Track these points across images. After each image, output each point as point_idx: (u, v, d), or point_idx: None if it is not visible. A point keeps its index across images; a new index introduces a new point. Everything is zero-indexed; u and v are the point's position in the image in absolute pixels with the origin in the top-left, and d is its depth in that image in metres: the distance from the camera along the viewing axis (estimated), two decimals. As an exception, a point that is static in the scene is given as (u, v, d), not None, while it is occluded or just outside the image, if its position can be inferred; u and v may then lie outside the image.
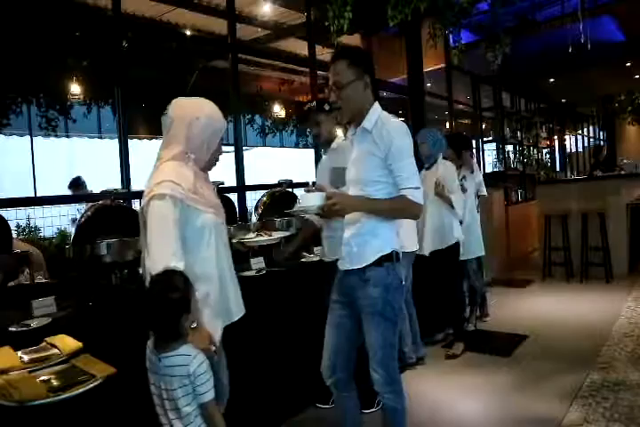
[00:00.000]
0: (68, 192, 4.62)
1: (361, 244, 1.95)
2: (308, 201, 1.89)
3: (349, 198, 1.94)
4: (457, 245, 3.57)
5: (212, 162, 1.92)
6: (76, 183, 4.69)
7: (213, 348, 1.63)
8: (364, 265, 1.93)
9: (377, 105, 1.99)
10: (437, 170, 3.61)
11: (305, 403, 2.84)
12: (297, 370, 2.73)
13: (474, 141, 7.34)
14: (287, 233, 2.99)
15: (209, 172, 1.96)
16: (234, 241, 2.38)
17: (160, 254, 1.59)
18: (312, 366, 2.79)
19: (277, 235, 2.92)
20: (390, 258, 1.94)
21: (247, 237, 2.85)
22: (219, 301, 1.78)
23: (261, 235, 2.85)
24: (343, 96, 1.95)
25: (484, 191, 4.41)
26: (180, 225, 1.68)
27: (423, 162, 3.72)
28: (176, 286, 1.48)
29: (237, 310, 1.90)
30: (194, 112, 1.88)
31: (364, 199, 1.94)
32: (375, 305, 1.92)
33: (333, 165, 2.66)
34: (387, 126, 1.92)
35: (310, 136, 8.00)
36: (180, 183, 1.72)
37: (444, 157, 3.71)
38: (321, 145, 2.89)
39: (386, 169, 1.90)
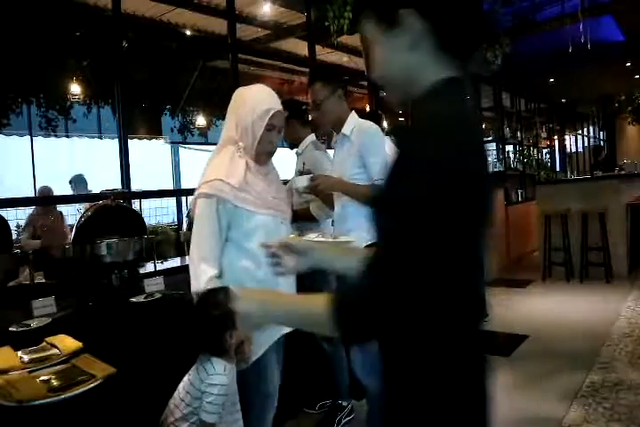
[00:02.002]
0: (68, 188, 4.61)
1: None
2: (298, 182, 2.20)
3: (330, 179, 2.19)
4: None
5: (259, 152, 1.77)
6: (77, 180, 4.68)
7: (251, 359, 1.60)
8: None
9: (353, 113, 2.28)
10: None
11: (295, 408, 2.81)
12: (287, 373, 2.72)
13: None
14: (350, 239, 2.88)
15: (271, 165, 1.89)
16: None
17: (193, 260, 1.62)
18: (299, 370, 2.80)
19: (344, 238, 2.82)
20: None
21: (307, 237, 2.74)
22: None
23: (321, 236, 2.73)
24: (323, 110, 2.24)
25: None
26: (223, 227, 1.66)
27: None
28: (216, 303, 1.42)
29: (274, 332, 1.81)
30: (242, 96, 1.82)
31: (344, 181, 2.17)
32: None
33: (297, 168, 2.76)
34: (361, 129, 2.21)
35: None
36: (230, 181, 1.66)
37: None
38: (289, 147, 2.93)
39: (362, 167, 2.15)
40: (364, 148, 2.14)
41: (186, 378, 1.52)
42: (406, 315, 0.79)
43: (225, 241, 1.70)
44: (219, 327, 1.41)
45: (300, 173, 2.77)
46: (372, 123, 2.27)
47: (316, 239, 1.95)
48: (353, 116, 2.27)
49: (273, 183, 1.86)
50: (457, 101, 0.84)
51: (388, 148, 3.35)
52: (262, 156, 1.80)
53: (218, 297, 1.41)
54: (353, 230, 2.11)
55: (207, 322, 1.37)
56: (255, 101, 1.76)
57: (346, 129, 2.23)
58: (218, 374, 1.46)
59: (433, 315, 0.80)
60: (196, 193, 1.67)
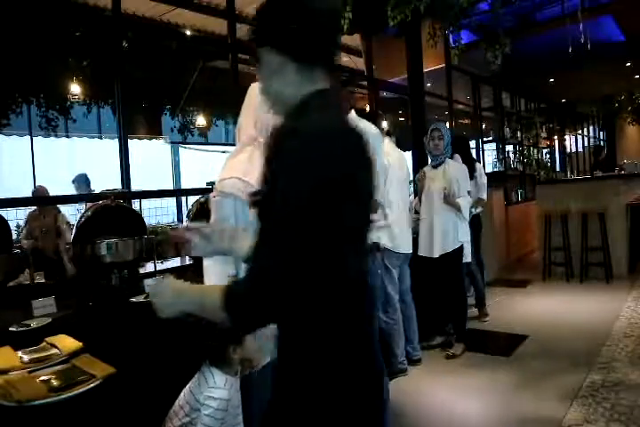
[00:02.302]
0: (70, 188, 4.60)
1: None
2: None
3: None
4: (462, 247, 3.57)
5: None
6: (80, 179, 4.66)
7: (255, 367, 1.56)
8: None
9: (352, 113, 2.21)
10: (445, 171, 3.54)
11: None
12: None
13: (474, 141, 7.34)
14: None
15: None
16: None
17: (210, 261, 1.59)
18: None
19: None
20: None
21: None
22: None
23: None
24: None
25: (483, 195, 4.37)
26: (238, 225, 1.60)
27: (430, 158, 3.68)
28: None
29: None
30: (257, 93, 1.78)
31: None
32: None
33: None
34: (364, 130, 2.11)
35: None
36: (249, 180, 1.58)
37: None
38: None
39: None
40: None
41: (187, 386, 1.49)
42: (286, 303, 0.90)
43: None
44: (222, 338, 1.40)
45: None
46: (371, 124, 2.22)
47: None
48: (352, 116, 2.21)
49: None
50: (322, 110, 0.99)
51: (389, 147, 3.37)
52: None
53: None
54: None
55: (211, 332, 1.36)
56: (257, 101, 1.68)
57: None
58: (218, 388, 1.43)
59: (310, 301, 0.92)
60: (213, 192, 1.63)
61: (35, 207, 4.22)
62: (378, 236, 2.74)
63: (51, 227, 3.95)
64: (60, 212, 4.11)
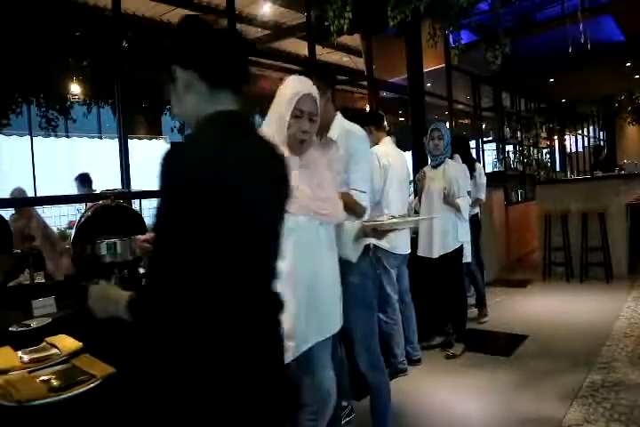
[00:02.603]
0: (73, 187, 4.59)
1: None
2: None
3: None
4: (461, 247, 3.57)
5: (292, 141, 1.62)
6: (83, 179, 4.65)
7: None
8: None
9: (339, 115, 2.15)
10: (445, 171, 3.53)
11: (293, 408, 2.80)
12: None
13: (474, 141, 7.35)
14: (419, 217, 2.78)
15: (312, 155, 1.72)
16: (363, 223, 2.00)
17: None
18: None
19: (414, 217, 2.73)
20: (367, 249, 2.10)
21: (380, 219, 2.63)
22: (300, 315, 1.60)
23: (394, 217, 2.58)
24: None
25: (482, 196, 4.36)
26: None
27: (430, 158, 3.68)
28: None
29: (328, 326, 1.74)
30: (278, 90, 1.72)
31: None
32: (355, 291, 2.04)
33: None
34: (348, 134, 2.08)
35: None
36: None
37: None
38: None
39: (345, 173, 2.03)
40: (350, 153, 2.04)
41: None
42: (172, 309, 1.00)
43: None
44: None
45: None
46: (358, 127, 2.16)
47: (389, 220, 2.00)
48: (339, 118, 2.15)
49: (314, 176, 1.66)
50: (216, 128, 1.07)
51: (389, 147, 3.36)
52: (294, 145, 1.64)
53: None
54: None
55: None
56: (285, 89, 1.68)
57: (332, 133, 2.10)
58: None
59: (194, 308, 1.01)
60: None
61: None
62: None
63: (21, 230, 3.80)
64: (35, 215, 3.91)
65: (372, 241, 2.13)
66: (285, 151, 1.59)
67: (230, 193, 1.00)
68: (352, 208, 1.99)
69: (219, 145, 1.03)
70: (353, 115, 2.53)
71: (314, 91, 1.69)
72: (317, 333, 1.69)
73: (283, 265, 1.56)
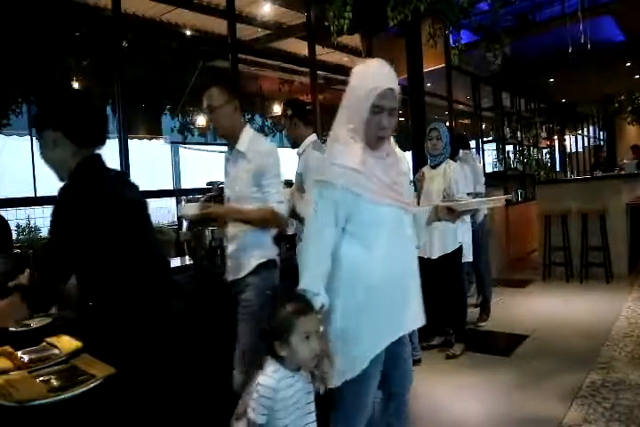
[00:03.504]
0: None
1: (242, 257, 2.15)
2: (187, 209, 2.16)
3: (222, 208, 2.17)
4: (461, 247, 3.56)
5: (369, 136, 1.57)
6: None
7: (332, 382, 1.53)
8: (244, 274, 2.14)
9: (248, 128, 2.19)
10: (445, 172, 3.52)
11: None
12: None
13: (474, 141, 7.34)
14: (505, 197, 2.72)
15: (389, 146, 1.67)
16: (441, 204, 1.93)
17: (303, 253, 1.60)
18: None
19: (501, 196, 2.68)
20: (267, 266, 2.14)
21: (464, 198, 2.55)
22: (380, 312, 1.58)
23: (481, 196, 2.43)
24: (215, 117, 2.17)
25: (480, 189, 4.36)
26: (340, 218, 1.53)
27: (428, 159, 3.67)
28: (282, 310, 1.46)
29: (410, 323, 1.71)
30: (354, 73, 1.62)
31: (236, 209, 2.15)
32: (247, 307, 2.10)
33: (297, 171, 2.75)
34: (257, 147, 2.13)
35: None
36: (350, 167, 1.51)
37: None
38: (291, 146, 2.91)
39: (258, 186, 2.09)
40: (262, 168, 2.08)
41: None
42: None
43: (342, 233, 1.56)
44: (268, 332, 1.48)
45: (297, 174, 2.78)
46: (266, 140, 2.25)
47: (465, 201, 2.03)
48: (248, 131, 2.19)
49: (392, 167, 1.64)
50: (91, 170, 1.49)
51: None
52: (373, 140, 1.59)
53: (293, 302, 1.49)
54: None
55: (271, 319, 1.49)
56: (362, 77, 1.57)
57: (240, 145, 2.15)
58: (264, 375, 1.46)
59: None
60: (312, 180, 1.60)
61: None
62: None
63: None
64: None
65: None
66: (367, 147, 1.57)
67: (118, 204, 1.47)
68: (276, 222, 2.12)
69: (94, 186, 1.46)
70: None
71: (394, 84, 1.57)
72: (415, 322, 1.70)
73: (376, 258, 1.56)
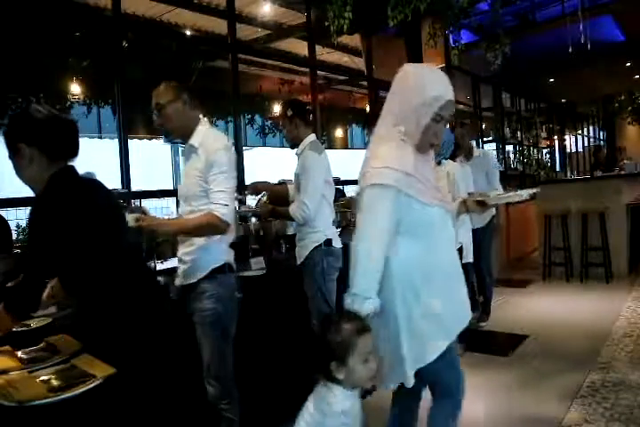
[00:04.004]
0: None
1: (194, 260, 2.03)
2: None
3: (156, 220, 2.02)
4: (461, 248, 3.56)
5: (423, 143, 1.60)
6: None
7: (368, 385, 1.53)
8: (197, 279, 2.01)
9: (204, 122, 2.08)
10: (448, 174, 3.47)
11: (295, 409, 2.79)
12: (287, 373, 2.71)
13: (474, 142, 7.34)
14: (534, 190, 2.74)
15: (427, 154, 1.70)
16: (470, 198, 1.97)
17: (361, 256, 1.53)
18: (301, 369, 2.78)
19: (525, 191, 2.73)
20: (222, 270, 2.01)
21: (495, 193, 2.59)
22: (433, 314, 1.59)
23: (510, 190, 2.51)
24: (164, 115, 2.05)
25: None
26: (394, 220, 1.53)
27: None
28: (340, 330, 1.40)
29: (458, 324, 1.69)
30: (410, 74, 1.62)
31: (170, 221, 2.12)
32: (207, 316, 1.98)
33: (295, 171, 2.74)
34: (210, 141, 2.01)
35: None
36: (404, 170, 1.52)
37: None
38: (290, 146, 2.87)
39: (206, 182, 1.97)
40: (210, 163, 1.96)
41: (309, 401, 1.48)
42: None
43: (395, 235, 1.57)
44: (327, 353, 1.42)
45: (295, 175, 2.77)
46: (222, 136, 2.09)
47: (496, 194, 2.05)
48: (204, 125, 2.08)
49: (432, 170, 1.70)
50: (65, 181, 1.52)
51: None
52: (426, 146, 1.62)
53: (351, 321, 1.44)
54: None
55: (325, 344, 1.43)
56: (424, 83, 1.56)
57: (194, 140, 2.03)
58: (336, 403, 1.41)
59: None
60: (368, 182, 1.53)
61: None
62: None
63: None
64: None
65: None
66: (415, 150, 1.58)
67: (94, 209, 1.54)
68: (216, 228, 1.94)
69: (77, 190, 1.54)
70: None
71: (453, 95, 1.60)
72: (459, 324, 1.69)
73: (429, 256, 1.58)
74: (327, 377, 1.43)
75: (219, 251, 2.05)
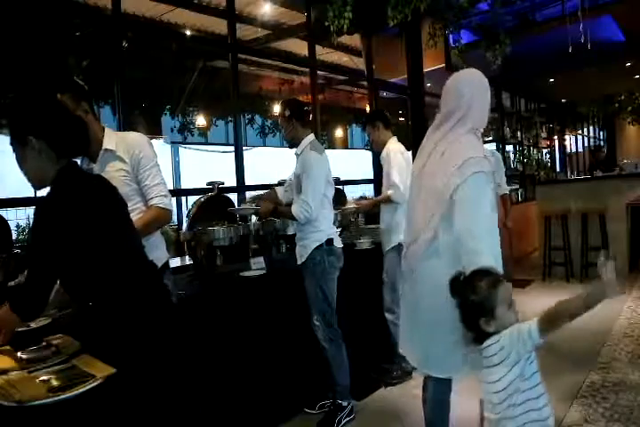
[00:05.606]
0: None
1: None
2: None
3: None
4: None
5: (477, 135, 1.91)
6: None
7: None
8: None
9: (107, 127, 2.07)
10: None
11: (295, 408, 2.82)
12: (287, 373, 2.71)
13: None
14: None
15: None
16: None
17: (475, 235, 1.71)
18: (301, 368, 2.78)
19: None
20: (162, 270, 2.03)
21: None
22: None
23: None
24: None
25: None
26: (493, 200, 1.79)
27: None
28: (478, 288, 1.53)
29: None
30: (478, 79, 1.93)
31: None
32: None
33: (294, 171, 2.75)
34: (127, 140, 2.02)
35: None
36: (489, 158, 1.80)
37: None
38: (289, 146, 2.87)
39: (137, 182, 1.98)
40: (136, 160, 1.96)
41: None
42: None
43: None
44: (471, 313, 1.54)
45: (295, 175, 2.77)
46: (133, 132, 2.11)
47: None
48: (110, 130, 2.07)
49: None
50: (73, 178, 1.52)
51: (397, 145, 3.34)
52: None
53: (483, 280, 1.55)
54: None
55: (464, 305, 1.55)
56: (484, 88, 1.89)
57: (107, 144, 2.00)
58: (495, 373, 1.58)
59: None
60: (469, 171, 1.71)
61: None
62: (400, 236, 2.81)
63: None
64: None
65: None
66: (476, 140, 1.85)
67: (100, 204, 1.54)
68: (163, 220, 2.04)
69: (81, 188, 1.52)
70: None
71: None
72: None
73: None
74: (479, 336, 1.56)
75: (160, 250, 2.10)
